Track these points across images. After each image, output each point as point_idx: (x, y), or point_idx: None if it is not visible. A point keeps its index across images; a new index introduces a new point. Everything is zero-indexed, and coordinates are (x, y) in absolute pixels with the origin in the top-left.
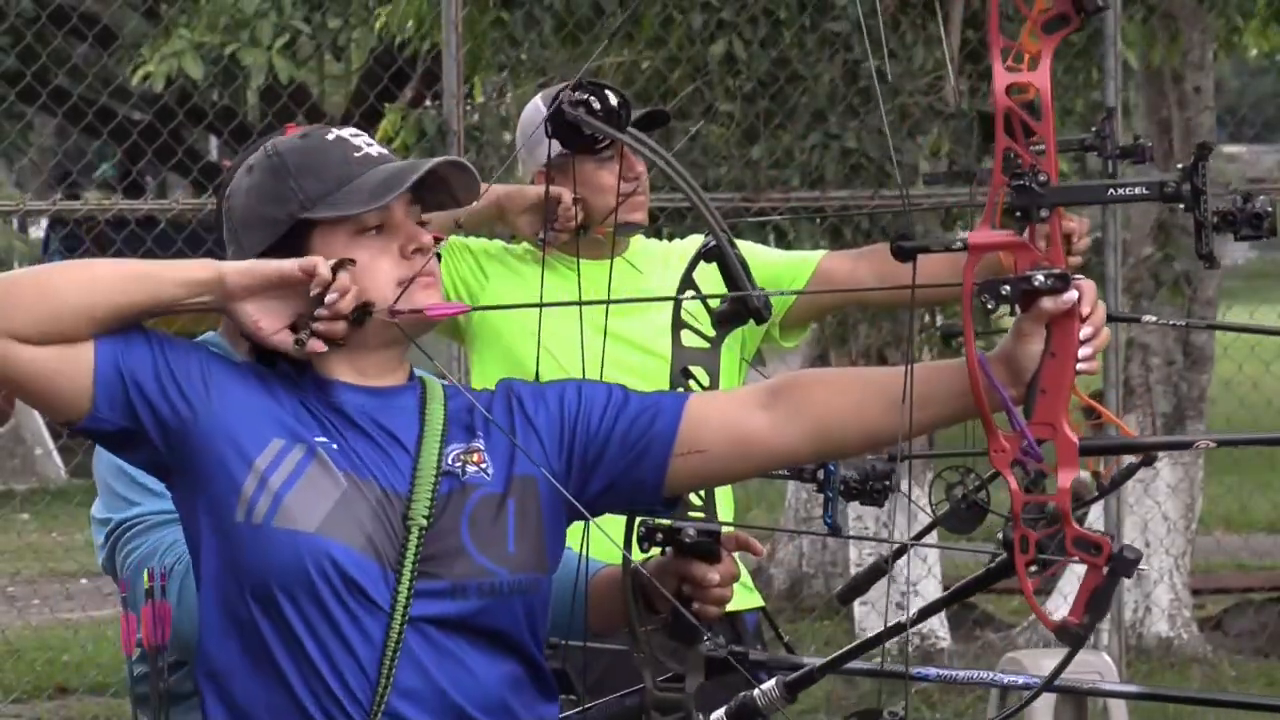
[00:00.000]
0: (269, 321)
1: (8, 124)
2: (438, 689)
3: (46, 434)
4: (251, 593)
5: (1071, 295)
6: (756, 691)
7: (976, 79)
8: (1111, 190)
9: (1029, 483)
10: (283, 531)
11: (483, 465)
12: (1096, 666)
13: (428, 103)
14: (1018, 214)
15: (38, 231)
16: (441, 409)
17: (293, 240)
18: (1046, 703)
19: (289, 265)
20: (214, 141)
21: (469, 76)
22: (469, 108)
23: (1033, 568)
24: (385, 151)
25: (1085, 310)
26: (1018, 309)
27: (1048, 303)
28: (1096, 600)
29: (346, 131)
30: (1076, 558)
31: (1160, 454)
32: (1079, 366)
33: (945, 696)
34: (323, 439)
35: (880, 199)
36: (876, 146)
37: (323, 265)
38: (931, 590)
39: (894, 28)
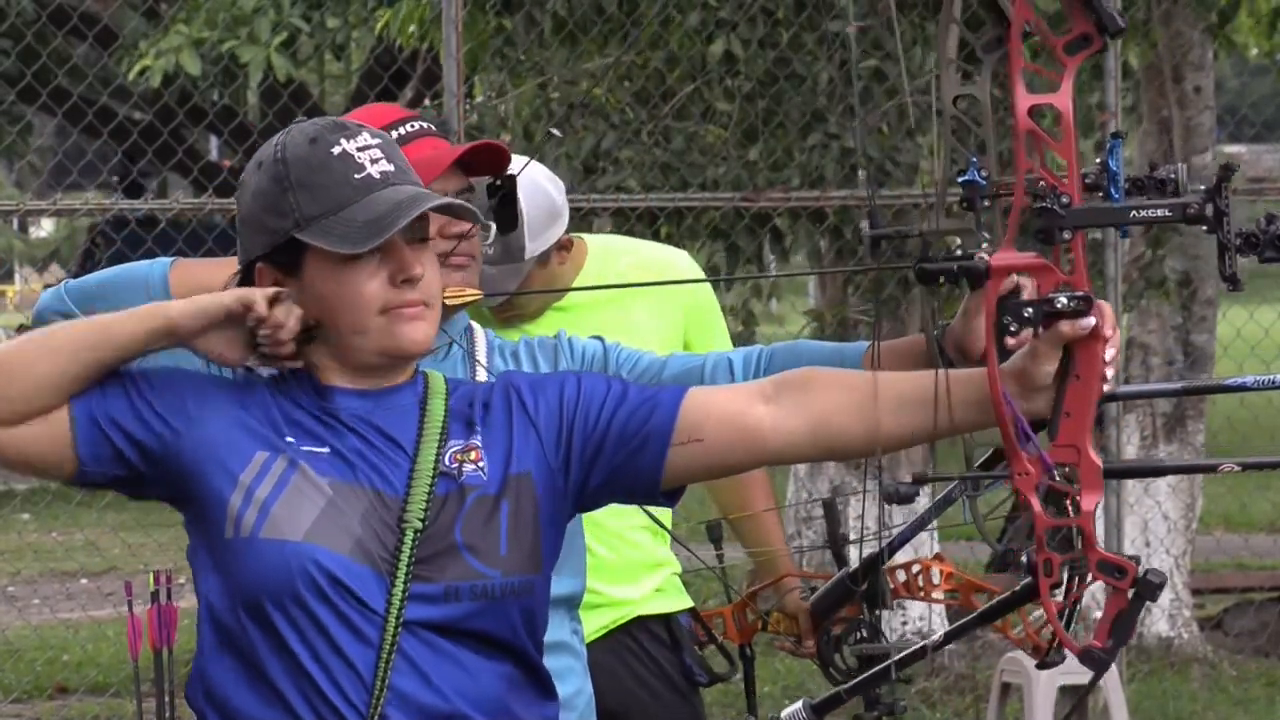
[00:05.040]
0: (231, 352)
1: (8, 124)
2: (435, 692)
3: None
4: (243, 607)
5: (1090, 321)
6: (785, 714)
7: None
8: (1134, 212)
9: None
10: (270, 542)
11: (480, 464)
12: None
13: (427, 102)
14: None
15: (39, 232)
16: (442, 404)
17: (288, 252)
18: (1047, 703)
19: (229, 300)
20: (214, 141)
21: (468, 76)
22: (468, 107)
23: (1056, 591)
24: (390, 169)
25: (1108, 333)
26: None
27: (1065, 327)
28: (1121, 624)
29: (355, 144)
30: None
31: (1159, 452)
32: None
33: (945, 696)
34: (310, 447)
35: (880, 199)
36: (876, 146)
37: (260, 302)
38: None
39: (891, 29)
